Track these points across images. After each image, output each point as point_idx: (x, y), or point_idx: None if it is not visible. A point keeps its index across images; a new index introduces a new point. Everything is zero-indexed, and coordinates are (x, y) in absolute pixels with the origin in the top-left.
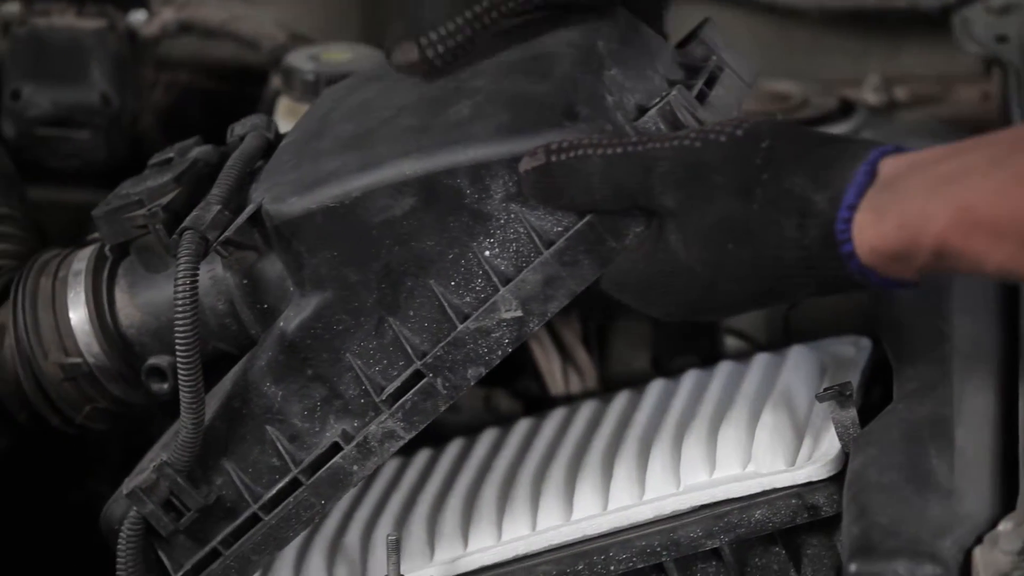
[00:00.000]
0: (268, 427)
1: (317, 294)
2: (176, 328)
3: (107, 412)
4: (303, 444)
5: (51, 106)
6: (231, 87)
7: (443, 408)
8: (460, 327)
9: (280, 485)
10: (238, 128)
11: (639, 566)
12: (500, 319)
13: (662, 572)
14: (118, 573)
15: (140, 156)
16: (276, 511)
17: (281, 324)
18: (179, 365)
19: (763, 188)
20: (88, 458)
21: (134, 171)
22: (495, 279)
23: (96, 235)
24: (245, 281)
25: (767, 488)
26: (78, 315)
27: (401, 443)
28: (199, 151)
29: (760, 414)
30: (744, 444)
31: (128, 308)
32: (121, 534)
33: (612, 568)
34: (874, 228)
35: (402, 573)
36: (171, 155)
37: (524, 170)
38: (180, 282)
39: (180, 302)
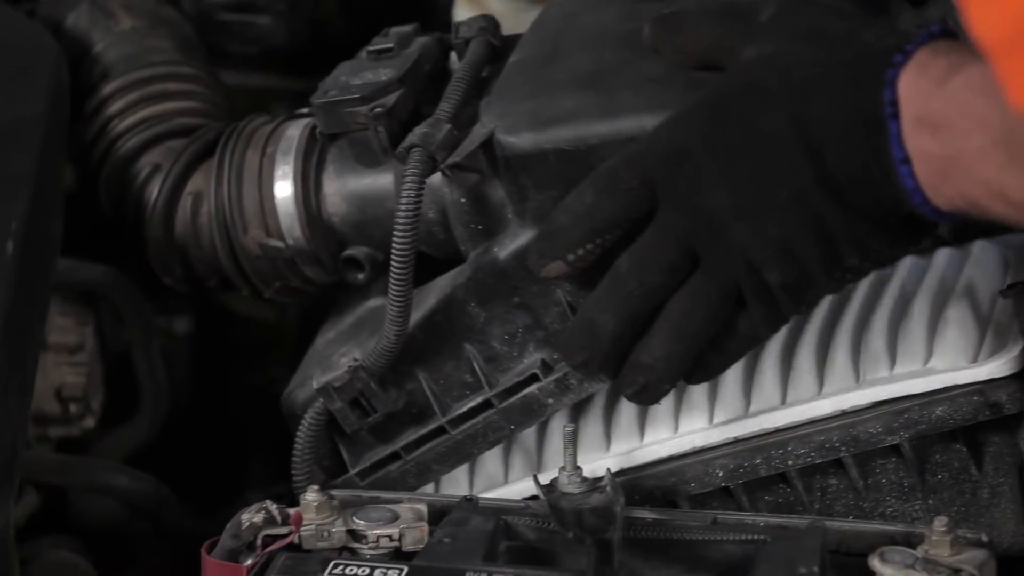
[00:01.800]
0: (467, 344)
1: (536, 227)
2: (394, 246)
3: (296, 290)
4: (500, 367)
5: None
6: None
7: None
8: None
9: (471, 404)
10: (463, 30)
11: (817, 461)
12: None
13: (841, 467)
14: (294, 458)
15: (321, 41)
16: (463, 427)
17: (495, 249)
18: (392, 280)
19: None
20: (265, 342)
21: (315, 56)
22: None
23: (305, 110)
24: (463, 200)
25: (948, 384)
26: (284, 195)
27: (602, 385)
28: (420, 44)
29: (942, 309)
30: (925, 339)
31: (334, 196)
32: (303, 422)
33: (790, 463)
34: (924, 81)
35: (578, 464)
36: (390, 44)
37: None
38: (404, 201)
39: (402, 221)
